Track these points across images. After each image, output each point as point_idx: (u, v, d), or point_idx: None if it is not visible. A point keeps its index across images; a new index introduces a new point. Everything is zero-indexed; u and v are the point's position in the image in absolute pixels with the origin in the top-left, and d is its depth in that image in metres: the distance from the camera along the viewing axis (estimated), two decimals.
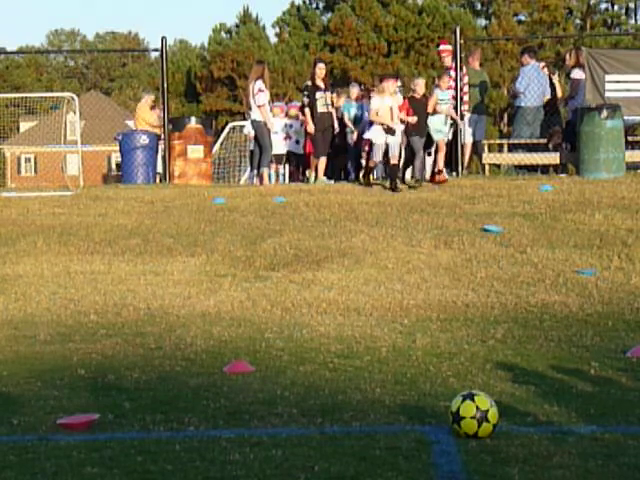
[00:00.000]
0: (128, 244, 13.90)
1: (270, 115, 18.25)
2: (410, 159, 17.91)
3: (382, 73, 18.40)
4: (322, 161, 18.26)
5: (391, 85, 17.10)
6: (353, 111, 18.85)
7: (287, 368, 8.53)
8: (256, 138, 18.54)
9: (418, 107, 17.32)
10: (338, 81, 43.40)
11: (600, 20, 65.65)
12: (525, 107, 18.87)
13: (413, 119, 17.04)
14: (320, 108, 17.98)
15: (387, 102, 16.85)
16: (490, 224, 14.26)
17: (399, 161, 17.16)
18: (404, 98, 17.78)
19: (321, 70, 18.18)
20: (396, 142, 16.92)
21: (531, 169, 18.97)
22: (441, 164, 17.48)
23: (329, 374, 8.33)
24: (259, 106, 18.01)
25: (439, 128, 17.69)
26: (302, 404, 7.33)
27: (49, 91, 57.30)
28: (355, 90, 19.37)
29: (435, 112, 17.57)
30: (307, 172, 19.20)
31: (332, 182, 18.21)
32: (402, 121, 17.06)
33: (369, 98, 19.14)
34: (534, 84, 18.73)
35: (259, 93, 18.03)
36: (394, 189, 16.72)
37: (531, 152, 18.71)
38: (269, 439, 6.44)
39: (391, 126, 16.75)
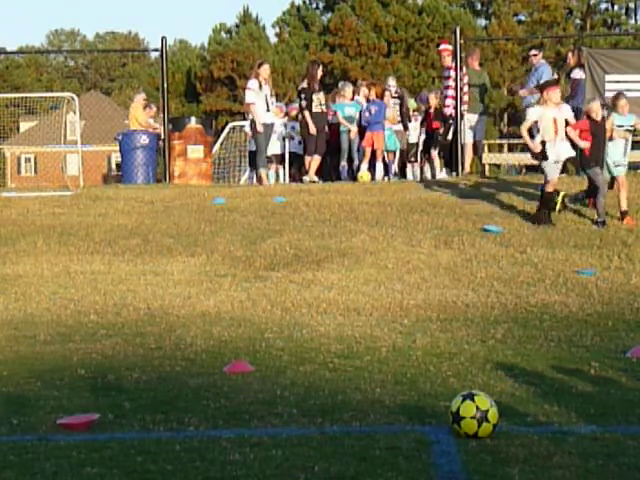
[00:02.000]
0: (128, 244, 13.90)
1: (262, 114, 18.20)
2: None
3: (546, 84, 15.05)
4: (316, 159, 18.37)
5: (555, 94, 14.40)
6: (347, 110, 18.88)
7: (287, 368, 8.53)
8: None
9: (598, 132, 14.48)
10: (339, 81, 43.36)
11: (600, 20, 65.69)
12: None
13: (585, 144, 14.23)
14: (315, 109, 18.19)
15: (550, 113, 14.18)
16: (490, 224, 14.27)
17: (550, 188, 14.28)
18: (584, 117, 14.88)
19: (320, 72, 18.46)
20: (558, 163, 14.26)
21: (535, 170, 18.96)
22: (624, 204, 14.53)
23: (329, 374, 8.33)
24: (246, 104, 18.31)
25: (618, 161, 14.79)
26: (302, 404, 7.33)
27: (49, 91, 57.28)
28: (349, 89, 19.39)
29: (611, 138, 14.75)
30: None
31: (318, 180, 18.27)
32: (571, 141, 14.34)
33: (368, 99, 19.18)
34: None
35: (247, 91, 18.26)
36: (538, 221, 14.28)
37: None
38: (269, 439, 6.44)
39: (552, 141, 14.10)
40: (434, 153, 19.73)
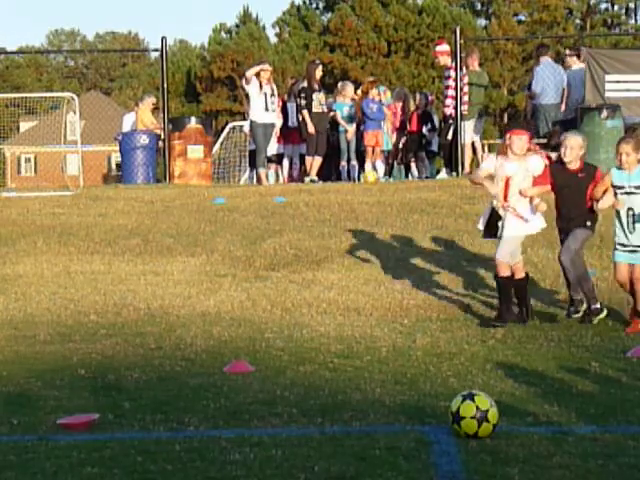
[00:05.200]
0: (128, 244, 13.90)
1: (260, 112, 18.22)
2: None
3: (510, 127, 10.83)
4: (317, 160, 18.39)
5: (520, 142, 10.10)
6: (346, 110, 18.87)
7: (287, 368, 8.53)
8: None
9: (568, 183, 10.27)
10: (339, 81, 43.42)
11: (600, 20, 65.71)
12: (544, 105, 18.76)
13: (542, 206, 10.18)
14: (315, 108, 18.17)
15: (508, 169, 10.12)
16: None
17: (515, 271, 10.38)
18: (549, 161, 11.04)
19: (319, 72, 18.44)
20: (510, 239, 10.20)
21: None
22: None
23: (329, 374, 8.33)
24: (246, 95, 18.47)
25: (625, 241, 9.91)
26: (302, 404, 7.33)
27: (49, 91, 57.26)
28: (350, 89, 19.35)
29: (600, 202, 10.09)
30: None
31: (319, 182, 18.27)
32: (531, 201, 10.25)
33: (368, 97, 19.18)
34: (550, 81, 18.64)
35: (248, 85, 18.39)
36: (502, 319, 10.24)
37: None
38: (269, 439, 6.44)
39: (504, 208, 10.16)
40: (421, 155, 19.73)
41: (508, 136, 10.25)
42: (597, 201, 10.05)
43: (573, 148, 10.20)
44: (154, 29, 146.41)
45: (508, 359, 8.80)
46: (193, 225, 14.83)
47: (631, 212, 9.75)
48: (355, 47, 59.29)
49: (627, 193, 9.78)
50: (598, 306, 10.18)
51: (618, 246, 9.89)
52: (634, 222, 9.73)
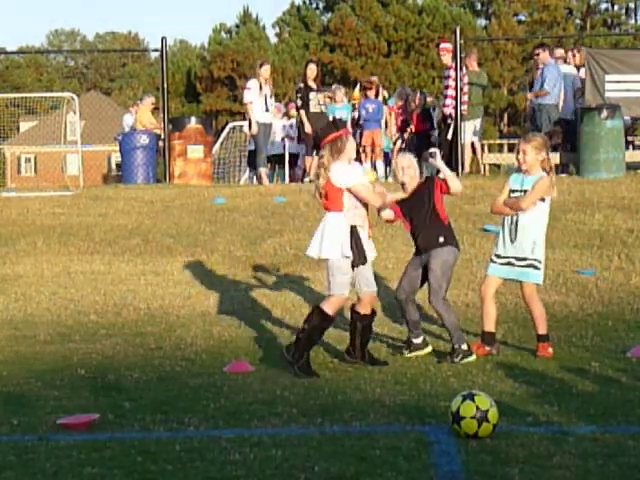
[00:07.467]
0: (128, 244, 13.90)
1: (259, 114, 18.23)
2: None
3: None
4: (316, 160, 18.41)
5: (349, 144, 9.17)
6: (338, 113, 18.86)
7: (287, 368, 8.53)
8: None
9: (413, 203, 9.14)
10: (339, 81, 43.38)
11: (600, 20, 65.73)
12: (547, 104, 18.69)
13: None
14: (313, 108, 18.16)
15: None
16: (490, 224, 14.25)
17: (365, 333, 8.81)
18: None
19: (312, 71, 18.39)
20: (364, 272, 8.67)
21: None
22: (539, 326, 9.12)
23: (329, 374, 8.34)
24: (244, 104, 18.53)
25: (500, 252, 9.11)
26: (302, 404, 7.33)
27: (49, 91, 57.29)
28: (340, 93, 19.33)
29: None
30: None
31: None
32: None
33: (365, 97, 19.15)
34: (557, 81, 18.60)
35: (245, 90, 18.36)
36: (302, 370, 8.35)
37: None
38: (269, 439, 6.44)
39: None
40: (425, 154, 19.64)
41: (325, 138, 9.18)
42: (516, 210, 8.90)
43: (410, 167, 9.13)
44: (154, 29, 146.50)
45: (508, 359, 8.80)
46: (193, 225, 14.83)
47: (516, 218, 8.93)
48: (355, 47, 59.30)
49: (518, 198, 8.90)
50: (465, 347, 8.82)
51: (494, 257, 9.02)
52: (516, 231, 8.94)
